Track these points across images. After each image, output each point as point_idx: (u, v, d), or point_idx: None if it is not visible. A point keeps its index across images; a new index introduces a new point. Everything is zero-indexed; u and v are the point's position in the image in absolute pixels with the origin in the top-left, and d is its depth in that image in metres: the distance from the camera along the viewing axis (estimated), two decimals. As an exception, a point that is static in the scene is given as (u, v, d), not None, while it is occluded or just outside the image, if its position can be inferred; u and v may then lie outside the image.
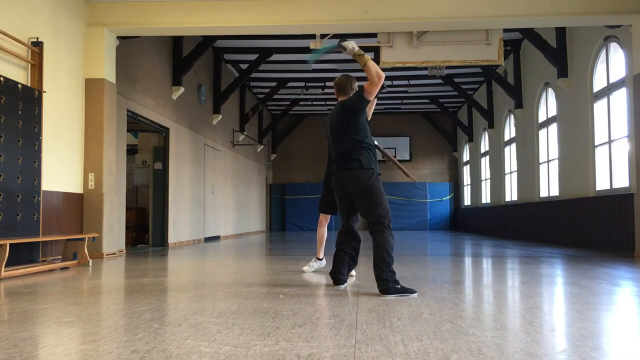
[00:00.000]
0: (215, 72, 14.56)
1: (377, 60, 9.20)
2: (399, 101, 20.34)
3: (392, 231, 4.38)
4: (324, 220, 5.90)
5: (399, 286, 4.20)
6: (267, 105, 20.53)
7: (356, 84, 4.73)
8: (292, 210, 22.70)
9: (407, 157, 22.75)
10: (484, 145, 18.51)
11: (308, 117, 22.62)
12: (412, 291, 4.18)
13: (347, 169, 4.45)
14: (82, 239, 6.90)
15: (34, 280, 5.42)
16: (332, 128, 4.65)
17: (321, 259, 6.04)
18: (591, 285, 4.79)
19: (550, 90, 12.20)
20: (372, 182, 4.39)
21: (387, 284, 4.16)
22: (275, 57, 14.25)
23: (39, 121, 6.74)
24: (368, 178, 4.39)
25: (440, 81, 16.60)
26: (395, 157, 22.61)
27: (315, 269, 5.96)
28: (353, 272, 5.41)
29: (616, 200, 8.82)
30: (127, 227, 10.27)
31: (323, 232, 5.90)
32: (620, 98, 9.08)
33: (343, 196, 4.64)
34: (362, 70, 4.75)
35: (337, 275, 4.74)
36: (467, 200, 21.49)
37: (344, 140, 4.51)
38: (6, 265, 5.52)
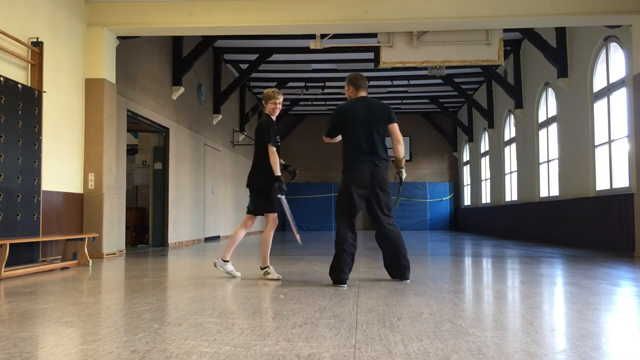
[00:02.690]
0: (215, 72, 14.56)
1: (377, 60, 9.20)
2: (399, 101, 20.34)
3: None
4: (250, 222, 5.61)
5: None
6: (267, 105, 20.50)
7: (366, 82, 5.09)
8: (292, 210, 22.54)
9: (407, 157, 22.75)
10: (484, 145, 18.51)
11: (308, 117, 22.61)
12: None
13: (377, 165, 4.82)
14: (82, 239, 6.90)
15: (34, 280, 5.42)
16: (360, 121, 4.86)
17: (227, 261, 5.53)
18: (591, 285, 4.79)
19: (550, 90, 12.19)
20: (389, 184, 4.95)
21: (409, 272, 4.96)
22: (275, 57, 14.25)
23: (39, 121, 6.74)
24: (387, 179, 4.92)
25: (440, 81, 16.59)
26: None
27: (228, 271, 5.48)
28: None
29: (616, 200, 8.82)
30: (127, 227, 10.27)
31: (243, 233, 5.61)
32: (620, 98, 9.07)
33: (361, 188, 4.81)
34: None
35: (341, 276, 4.73)
36: (467, 200, 21.48)
37: (374, 138, 4.83)
38: (6, 265, 5.52)
